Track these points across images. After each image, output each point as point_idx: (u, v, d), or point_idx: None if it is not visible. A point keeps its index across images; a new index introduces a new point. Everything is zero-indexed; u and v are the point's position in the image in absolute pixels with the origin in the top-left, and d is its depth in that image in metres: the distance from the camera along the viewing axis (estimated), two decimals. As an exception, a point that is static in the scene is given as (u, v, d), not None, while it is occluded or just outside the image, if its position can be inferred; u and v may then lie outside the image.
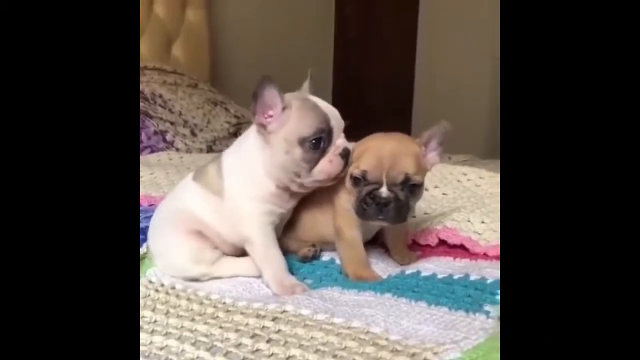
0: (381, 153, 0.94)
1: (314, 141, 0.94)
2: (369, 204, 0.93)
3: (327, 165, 0.96)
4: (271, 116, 0.95)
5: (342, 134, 0.99)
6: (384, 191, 0.93)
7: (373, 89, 3.74)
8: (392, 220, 0.94)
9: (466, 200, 1.34)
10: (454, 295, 0.85)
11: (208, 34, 2.90)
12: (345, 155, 0.97)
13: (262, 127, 0.96)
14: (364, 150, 0.96)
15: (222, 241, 1.03)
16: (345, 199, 1.01)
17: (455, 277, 0.92)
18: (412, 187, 0.95)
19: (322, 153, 0.96)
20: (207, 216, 1.01)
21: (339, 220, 1.02)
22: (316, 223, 1.08)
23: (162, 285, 0.96)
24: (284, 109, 0.95)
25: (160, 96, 2.29)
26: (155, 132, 2.07)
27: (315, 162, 0.95)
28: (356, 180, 0.95)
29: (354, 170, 0.95)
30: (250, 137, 1.02)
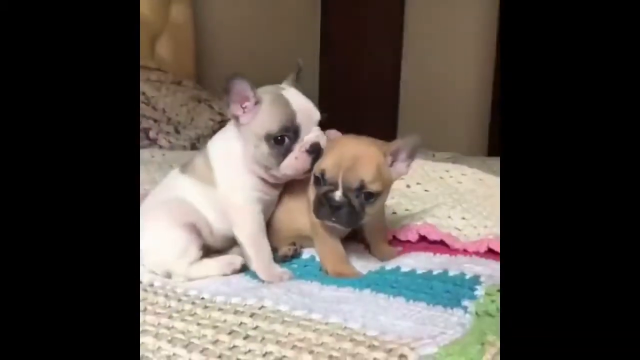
0: (341, 155, 0.92)
1: (278, 138, 0.96)
2: (323, 205, 0.93)
3: (293, 162, 0.98)
4: (246, 107, 0.97)
5: (316, 128, 1.00)
6: (337, 194, 0.91)
7: (359, 86, 3.74)
8: (343, 224, 0.94)
9: (447, 196, 1.34)
10: (433, 290, 0.86)
11: (192, 31, 2.88)
12: (313, 151, 0.98)
13: (236, 119, 0.98)
14: (328, 150, 0.96)
15: (212, 233, 1.04)
16: None
17: (435, 272, 0.92)
18: (367, 195, 0.92)
19: (288, 149, 0.97)
20: (200, 205, 1.02)
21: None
22: (292, 216, 1.07)
23: (141, 282, 0.95)
24: (256, 103, 0.97)
25: (144, 93, 2.27)
26: (138, 130, 2.05)
27: (282, 157, 0.97)
28: (316, 179, 0.94)
29: (316, 168, 0.95)
30: (230, 129, 1.04)
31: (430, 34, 3.52)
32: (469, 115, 3.42)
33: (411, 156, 0.96)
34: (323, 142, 0.99)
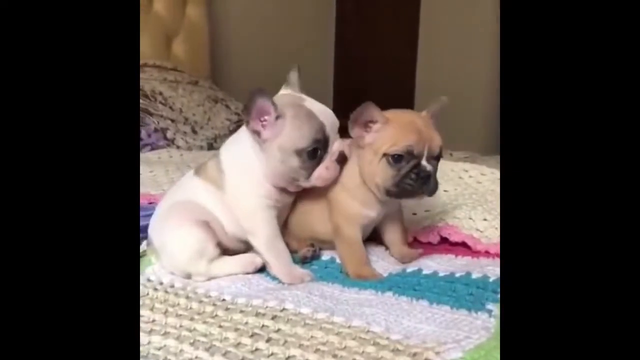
0: (417, 127, 0.93)
1: (311, 151, 0.94)
2: (413, 180, 0.92)
3: (324, 172, 0.97)
4: (265, 120, 0.94)
5: (337, 136, 0.99)
6: (426, 164, 0.92)
7: (374, 87, 3.72)
8: (431, 192, 0.95)
9: (468, 197, 1.32)
10: (456, 293, 0.85)
11: (208, 31, 2.88)
12: (341, 160, 0.98)
13: (257, 134, 0.95)
14: (396, 128, 0.93)
15: (226, 234, 1.02)
16: (343, 197, 1.00)
17: (457, 275, 0.91)
18: (438, 159, 0.95)
19: (319, 160, 0.96)
20: (212, 208, 1.00)
21: (337, 217, 1.01)
22: (312, 220, 1.06)
23: (161, 283, 0.95)
24: (277, 117, 0.94)
25: (161, 93, 2.28)
26: (156, 130, 2.06)
27: (313, 169, 0.96)
28: (398, 158, 0.92)
29: (393, 148, 0.92)
30: (245, 139, 1.00)
31: (445, 33, 3.49)
32: (485, 114, 3.38)
33: (438, 119, 0.99)
34: (346, 150, 0.98)
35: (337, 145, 0.98)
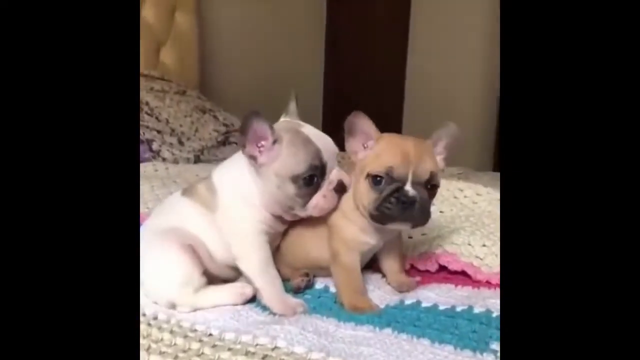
0: (406, 149, 0.87)
1: (307, 178, 0.90)
2: (393, 204, 0.86)
3: (321, 201, 0.92)
4: (262, 146, 0.91)
5: (336, 164, 0.95)
6: (409, 189, 0.86)
7: (364, 97, 3.69)
8: (416, 221, 0.88)
9: (464, 219, 1.28)
10: (458, 331, 0.80)
11: (197, 39, 2.83)
12: (340, 190, 0.93)
13: (253, 159, 0.91)
14: (383, 148, 0.89)
15: (212, 261, 0.97)
16: (343, 223, 0.95)
17: (459, 309, 0.86)
18: (432, 188, 0.89)
19: (316, 188, 0.92)
20: (200, 232, 0.96)
21: (337, 243, 0.95)
22: (306, 246, 1.01)
23: (144, 315, 0.89)
24: (274, 142, 0.90)
25: (147, 104, 2.22)
26: (141, 142, 2.00)
27: (310, 197, 0.92)
28: (377, 180, 0.87)
29: (375, 168, 0.87)
30: (241, 164, 0.96)
31: (435, 49, 3.48)
32: (476, 130, 3.37)
33: (447, 148, 0.93)
34: (346, 180, 0.94)
35: (335, 173, 0.93)
